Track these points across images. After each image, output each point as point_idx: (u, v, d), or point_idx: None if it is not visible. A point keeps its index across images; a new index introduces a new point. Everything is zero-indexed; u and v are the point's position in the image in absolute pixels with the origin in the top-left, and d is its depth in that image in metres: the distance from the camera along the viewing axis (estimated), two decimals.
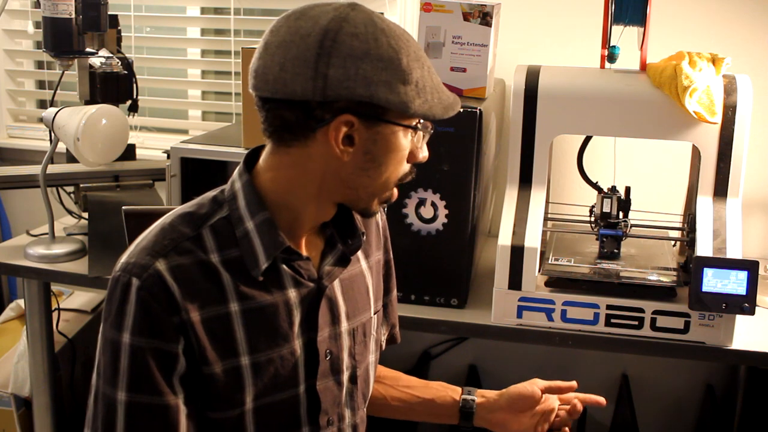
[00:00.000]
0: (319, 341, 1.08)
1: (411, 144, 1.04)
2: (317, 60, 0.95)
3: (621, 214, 1.71)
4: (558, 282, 1.63)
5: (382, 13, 2.21)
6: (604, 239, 1.72)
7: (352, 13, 0.97)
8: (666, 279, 1.62)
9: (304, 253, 1.08)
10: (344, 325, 1.12)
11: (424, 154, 1.08)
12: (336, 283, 1.12)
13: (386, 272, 1.30)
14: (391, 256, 1.32)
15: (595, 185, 1.78)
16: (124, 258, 1.02)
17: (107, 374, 0.99)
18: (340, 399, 1.13)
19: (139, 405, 0.99)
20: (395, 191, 1.08)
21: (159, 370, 0.98)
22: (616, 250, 1.72)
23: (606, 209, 1.70)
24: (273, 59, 0.97)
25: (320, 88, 0.95)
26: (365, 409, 1.21)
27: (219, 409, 1.03)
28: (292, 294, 1.06)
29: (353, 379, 1.14)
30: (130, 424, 0.99)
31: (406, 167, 1.06)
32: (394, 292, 1.34)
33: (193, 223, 1.04)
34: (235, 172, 1.08)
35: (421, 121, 1.03)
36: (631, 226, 1.72)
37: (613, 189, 1.73)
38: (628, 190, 1.73)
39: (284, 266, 1.05)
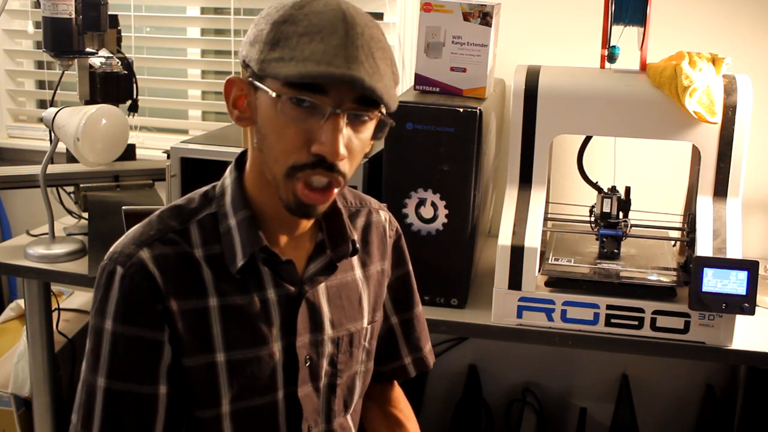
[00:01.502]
0: (298, 346, 1.07)
1: (296, 119, 0.94)
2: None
3: (621, 214, 1.72)
4: (558, 282, 1.63)
5: (382, 14, 2.21)
6: (604, 239, 1.72)
7: None
8: (666, 279, 1.62)
9: (290, 255, 1.07)
10: (328, 332, 1.11)
11: (326, 147, 0.94)
12: (321, 290, 1.10)
13: (403, 287, 1.28)
14: (410, 269, 1.28)
15: (595, 185, 1.78)
16: (112, 248, 1.03)
17: (90, 360, 1.01)
18: (318, 406, 1.12)
19: (117, 392, 1.00)
20: (305, 191, 0.97)
21: (140, 358, 0.99)
22: (616, 250, 1.72)
23: (606, 209, 1.70)
24: None
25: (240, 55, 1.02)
26: (349, 418, 1.19)
27: (197, 406, 1.04)
28: (271, 295, 1.05)
29: (332, 386, 1.13)
30: (107, 410, 1.00)
31: (300, 153, 0.95)
32: (417, 310, 1.30)
33: (181, 217, 1.05)
34: (227, 170, 1.09)
35: (319, 99, 0.93)
36: (631, 226, 1.72)
37: (613, 189, 1.73)
38: (628, 190, 1.73)
39: (265, 267, 1.05)
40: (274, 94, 0.94)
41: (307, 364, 1.09)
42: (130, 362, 0.99)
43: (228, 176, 1.08)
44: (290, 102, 0.94)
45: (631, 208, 1.73)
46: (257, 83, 0.97)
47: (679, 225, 1.82)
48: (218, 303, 1.02)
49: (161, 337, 1.00)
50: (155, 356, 1.00)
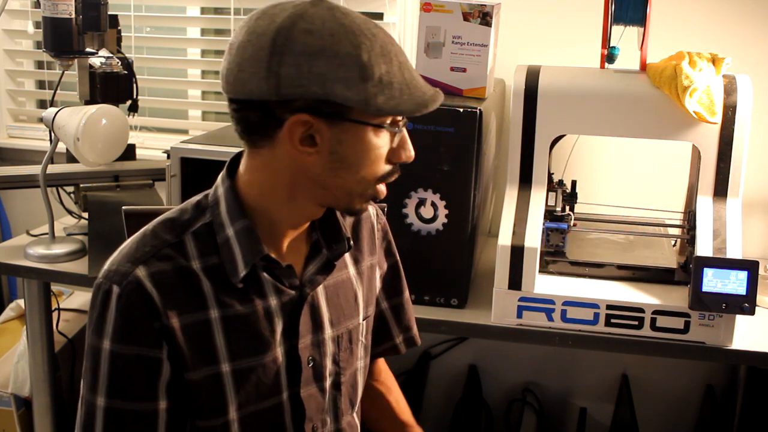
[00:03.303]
0: (300, 348, 1.07)
1: (388, 142, 1.00)
2: (270, 59, 0.93)
3: (567, 208, 1.72)
4: (556, 265, 1.64)
5: (382, 14, 2.21)
6: (549, 232, 1.71)
7: (311, 10, 0.95)
8: (665, 263, 1.62)
9: (288, 258, 1.07)
10: (328, 331, 1.11)
11: (408, 153, 1.03)
12: (320, 290, 1.11)
13: (392, 276, 1.29)
14: (397, 258, 1.30)
15: (549, 177, 1.78)
16: (106, 265, 1.02)
17: (88, 379, 1.00)
18: (324, 405, 1.12)
19: (117, 411, 0.99)
20: (382, 188, 1.04)
21: (139, 376, 0.99)
22: (560, 244, 1.71)
23: (551, 203, 1.70)
24: (233, 60, 0.96)
25: (274, 87, 0.93)
26: (355, 415, 1.20)
27: (204, 417, 1.03)
28: (273, 302, 1.05)
29: (337, 385, 1.14)
30: (107, 430, 0.99)
31: (385, 167, 1.02)
32: (405, 295, 1.32)
33: (174, 230, 1.03)
34: (219, 177, 1.07)
35: (397, 119, 1.00)
36: (576, 220, 1.72)
37: (560, 183, 1.74)
38: (573, 184, 1.73)
39: (265, 274, 1.05)
40: (387, 129, 0.99)
41: (310, 365, 1.09)
42: (129, 381, 0.99)
43: (221, 185, 1.06)
44: (387, 129, 0.99)
45: (629, 205, 1.73)
46: (350, 119, 0.96)
47: (680, 222, 1.82)
48: (220, 314, 1.02)
49: (159, 355, 0.99)
50: (154, 374, 0.99)
